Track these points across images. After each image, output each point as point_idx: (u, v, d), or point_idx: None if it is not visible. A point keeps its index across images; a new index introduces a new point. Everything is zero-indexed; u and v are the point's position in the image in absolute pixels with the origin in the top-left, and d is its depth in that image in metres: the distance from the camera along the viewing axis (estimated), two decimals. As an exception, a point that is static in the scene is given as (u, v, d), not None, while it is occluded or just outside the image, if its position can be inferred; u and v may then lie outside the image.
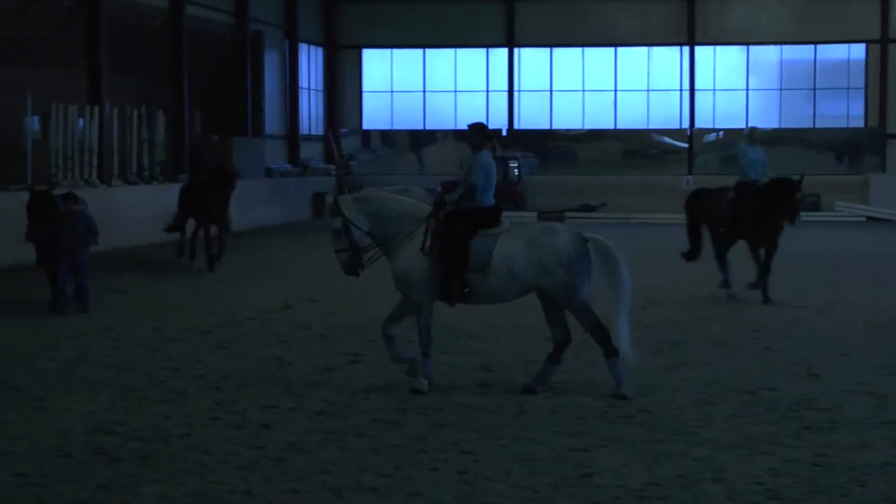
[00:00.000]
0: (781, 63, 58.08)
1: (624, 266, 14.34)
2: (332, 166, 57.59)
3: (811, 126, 57.76)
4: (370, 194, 14.98)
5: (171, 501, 9.81)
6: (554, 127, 59.41)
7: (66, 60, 38.60)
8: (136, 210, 36.30)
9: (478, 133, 15.06)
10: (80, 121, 36.84)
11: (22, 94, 34.78)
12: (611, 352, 14.20)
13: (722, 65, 58.21)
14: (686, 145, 58.30)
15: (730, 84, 58.24)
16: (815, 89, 57.72)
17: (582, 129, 59.12)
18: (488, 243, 14.07)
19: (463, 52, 59.67)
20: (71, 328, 19.28)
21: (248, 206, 44.19)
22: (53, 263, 20.95)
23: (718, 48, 57.95)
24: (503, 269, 14.05)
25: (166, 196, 38.22)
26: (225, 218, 29.21)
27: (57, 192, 22.78)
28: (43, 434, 12.14)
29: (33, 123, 36.01)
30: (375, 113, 61.18)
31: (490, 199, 14.59)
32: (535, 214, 50.39)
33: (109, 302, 22.49)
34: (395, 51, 60.28)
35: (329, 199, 14.80)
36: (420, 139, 60.88)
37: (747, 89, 58.29)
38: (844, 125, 57.72)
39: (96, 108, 37.79)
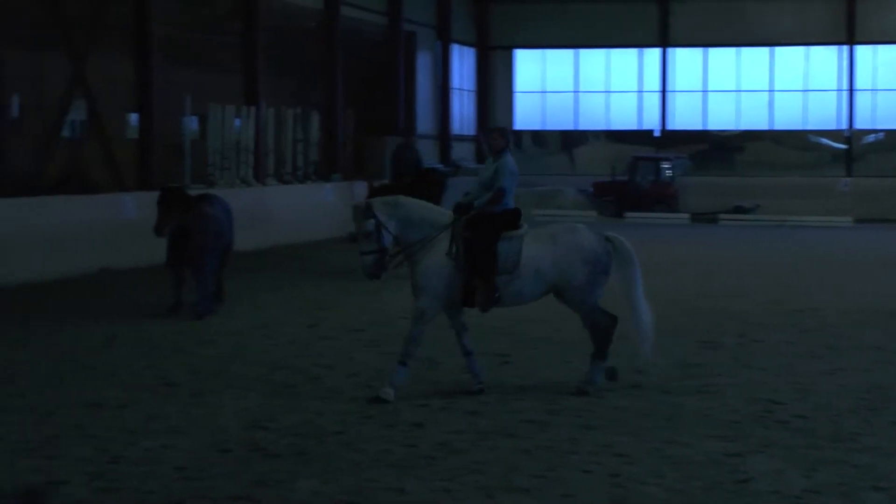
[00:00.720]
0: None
1: (638, 267, 14.71)
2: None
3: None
4: (400, 199, 14.54)
5: (326, 498, 9.88)
6: (708, 128, 58.86)
7: (224, 62, 39.09)
8: (291, 209, 36.68)
9: (501, 136, 14.94)
10: (237, 121, 37.31)
11: (181, 94, 35.33)
12: (602, 356, 14.46)
13: (883, 64, 57.11)
14: (844, 146, 57.34)
15: (891, 84, 57.11)
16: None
17: (736, 130, 58.50)
18: (515, 245, 14.12)
19: (615, 53, 59.42)
20: (227, 325, 19.52)
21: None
22: (180, 265, 20.74)
23: (879, 47, 56.85)
24: (531, 271, 14.15)
25: (320, 195, 38.66)
26: None
27: (199, 191, 22.86)
28: (200, 429, 12.32)
29: (192, 124, 36.53)
30: (527, 113, 61.16)
31: (512, 202, 14.55)
32: (687, 216, 50.06)
33: (264, 300, 22.76)
34: (548, 51, 60.19)
35: (361, 202, 14.54)
36: (571, 140, 60.70)
37: (910, 89, 57.23)
38: None
39: (252, 109, 38.27)
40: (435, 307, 14.17)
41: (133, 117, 34.70)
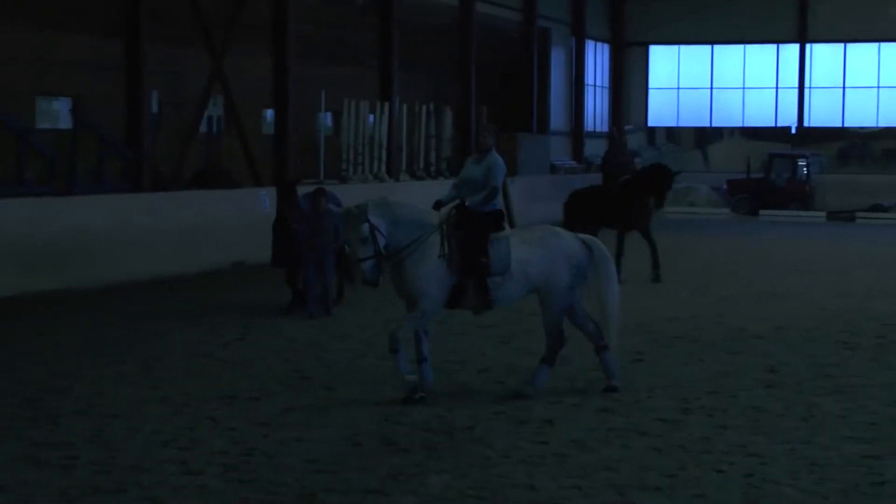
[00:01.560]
0: None
1: (614, 270, 14.58)
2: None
3: None
4: (390, 200, 13.98)
5: (457, 493, 9.88)
6: (846, 125, 58.04)
7: (359, 58, 39.37)
8: (423, 205, 36.65)
9: (490, 134, 14.45)
10: (371, 117, 37.54)
11: (316, 90, 35.64)
12: (552, 361, 14.20)
13: None
14: None
15: None
16: None
17: (876, 127, 57.61)
18: (504, 247, 13.69)
19: (752, 49, 58.85)
20: (359, 320, 19.62)
21: (531, 202, 44.39)
22: (295, 264, 20.40)
23: None
24: (521, 273, 13.75)
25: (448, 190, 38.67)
26: (648, 223, 26.92)
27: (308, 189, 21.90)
28: (333, 422, 12.40)
29: (326, 119, 36.84)
30: (661, 109, 60.88)
31: (497, 203, 14.19)
32: (823, 214, 49.43)
33: (395, 295, 22.80)
34: (683, 47, 59.82)
35: (352, 207, 13.57)
36: (706, 136, 60.31)
37: None
38: None
39: (386, 105, 38.46)
40: (435, 310, 13.86)
41: (269, 113, 35.09)
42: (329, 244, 20.02)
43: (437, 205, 14.13)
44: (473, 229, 13.65)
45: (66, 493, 9.70)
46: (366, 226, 13.16)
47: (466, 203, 13.77)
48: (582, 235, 14.46)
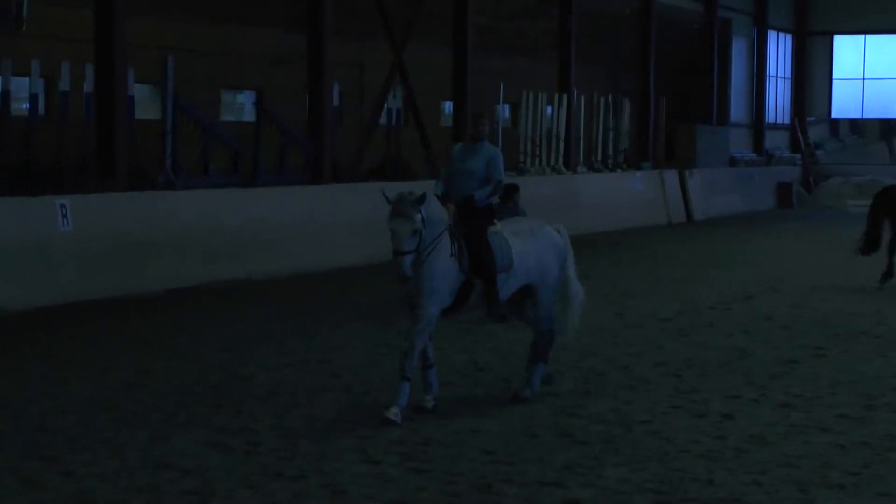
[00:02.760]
0: None
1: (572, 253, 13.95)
2: (798, 156, 56.64)
3: None
4: (427, 193, 12.38)
5: (634, 486, 9.82)
6: None
7: (537, 49, 39.35)
8: (600, 197, 36.69)
9: (488, 122, 13.52)
10: (549, 108, 37.53)
11: (496, 82, 35.74)
12: (546, 358, 13.46)
13: None
14: None
15: None
16: None
17: None
18: (503, 242, 12.82)
19: (941, 38, 57.71)
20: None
21: (710, 195, 44.04)
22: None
23: None
24: (522, 267, 12.96)
25: (630, 183, 38.55)
26: None
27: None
28: (509, 414, 12.40)
29: (504, 111, 36.91)
30: (845, 101, 59.93)
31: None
32: None
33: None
34: (869, 36, 58.74)
35: (406, 193, 12.16)
36: (892, 128, 59.23)
37: None
38: None
39: (564, 96, 38.43)
40: (438, 313, 12.48)
41: (447, 105, 35.23)
42: None
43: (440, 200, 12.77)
44: (475, 225, 12.80)
45: (248, 479, 9.85)
46: (419, 216, 12.00)
47: (476, 197, 12.75)
48: (555, 225, 13.80)
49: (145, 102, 27.04)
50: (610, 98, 41.22)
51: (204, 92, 28.95)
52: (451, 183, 12.91)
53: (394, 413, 11.77)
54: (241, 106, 31.65)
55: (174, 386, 13.57)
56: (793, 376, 14.65)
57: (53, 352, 15.53)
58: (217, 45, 29.16)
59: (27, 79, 24.14)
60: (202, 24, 28.51)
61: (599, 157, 40.45)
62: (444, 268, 12.36)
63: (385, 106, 32.69)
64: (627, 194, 38.45)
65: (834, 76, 60.01)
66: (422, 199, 11.97)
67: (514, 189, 19.50)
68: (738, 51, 53.85)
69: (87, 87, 24.40)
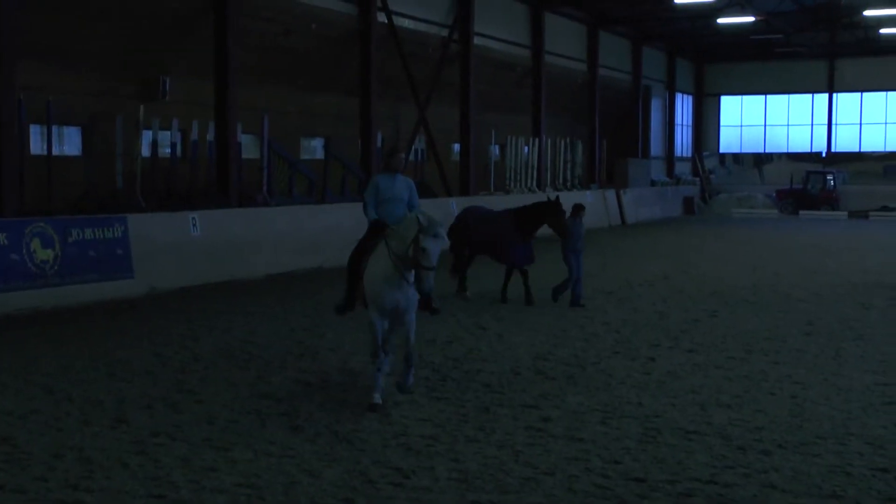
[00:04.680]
0: None
1: None
2: (698, 179, 56.55)
3: None
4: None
5: (588, 408, 9.80)
6: (863, 150, 56.42)
7: (518, 107, 39.35)
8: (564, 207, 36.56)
9: (399, 157, 10.66)
10: (526, 148, 37.52)
11: (489, 130, 35.78)
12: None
13: None
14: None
15: None
16: None
17: (885, 152, 55.92)
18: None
19: (794, 97, 57.47)
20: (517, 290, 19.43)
21: (638, 206, 44.09)
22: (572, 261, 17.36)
23: None
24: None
25: (583, 198, 38.50)
26: None
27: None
28: (501, 358, 12.38)
29: (495, 150, 36.91)
30: (729, 141, 59.95)
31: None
32: (845, 213, 48.19)
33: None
34: (744, 97, 58.71)
35: (434, 219, 9.42)
36: (761, 159, 59.24)
37: None
38: None
39: (536, 139, 38.44)
40: None
41: (456, 146, 35.22)
42: (582, 248, 17.54)
43: (380, 225, 10.08)
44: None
45: (322, 405, 9.85)
46: (445, 239, 9.60)
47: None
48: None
49: (249, 146, 27.02)
50: (568, 140, 41.17)
51: (289, 139, 28.98)
52: (382, 209, 10.21)
53: (377, 397, 9.68)
54: (314, 148, 31.60)
55: (271, 341, 13.58)
56: (696, 331, 14.64)
57: (189, 318, 15.57)
58: (298, 105, 29.16)
59: (169, 132, 24.20)
60: (288, 91, 28.52)
61: (561, 181, 40.44)
62: None
63: (413, 147, 32.69)
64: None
65: (721, 124, 59.91)
66: (435, 224, 9.39)
67: (581, 207, 17.88)
68: (656, 107, 53.74)
69: (210, 136, 24.49)
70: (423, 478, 7.52)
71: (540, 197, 36.49)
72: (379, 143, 29.62)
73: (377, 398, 9.71)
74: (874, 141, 56.24)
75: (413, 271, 9.46)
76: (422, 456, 8.09)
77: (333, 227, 24.52)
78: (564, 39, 41.97)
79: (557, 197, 17.87)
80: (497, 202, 33.37)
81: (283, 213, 23.53)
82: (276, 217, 23.14)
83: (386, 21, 30.02)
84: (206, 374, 11.31)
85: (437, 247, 9.32)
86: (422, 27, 32.34)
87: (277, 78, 28.00)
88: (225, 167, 23.70)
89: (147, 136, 23.76)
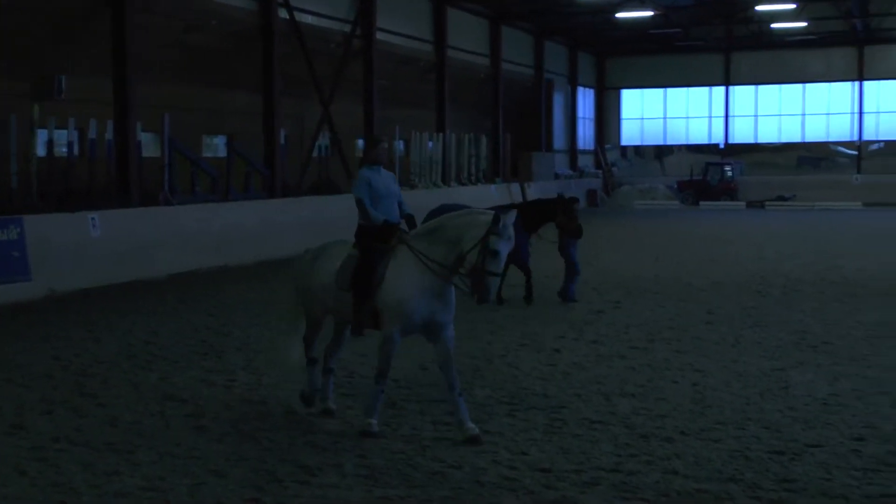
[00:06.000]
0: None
1: None
2: (600, 171, 57.26)
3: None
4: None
5: (495, 400, 9.85)
6: (758, 141, 57.73)
7: (422, 102, 39.37)
8: (469, 202, 36.58)
9: (384, 147, 9.35)
10: (430, 143, 37.56)
11: (393, 125, 35.71)
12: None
13: (884, 94, 55.49)
14: (856, 153, 55.92)
15: (890, 107, 55.47)
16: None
17: (779, 143, 57.32)
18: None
19: (693, 90, 58.52)
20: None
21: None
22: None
23: (882, 82, 55.25)
24: None
25: (487, 193, 38.67)
26: None
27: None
28: (409, 353, 12.14)
29: (400, 145, 36.89)
30: (631, 134, 60.75)
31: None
32: (743, 204, 49.27)
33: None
34: (645, 90, 59.58)
35: (495, 216, 8.15)
36: (662, 151, 60.25)
37: (904, 112, 55.61)
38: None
39: (441, 135, 38.49)
40: None
41: (361, 142, 35.12)
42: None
43: (391, 228, 8.75)
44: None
45: (228, 404, 9.75)
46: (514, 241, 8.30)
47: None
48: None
49: (150, 145, 26.59)
50: (472, 135, 41.34)
51: (191, 136, 28.60)
52: (379, 206, 8.93)
53: (374, 425, 8.58)
54: (217, 146, 31.23)
55: (174, 341, 13.39)
56: (600, 322, 14.81)
57: (89, 320, 15.26)
58: (200, 103, 28.78)
59: (66, 131, 23.71)
60: (189, 89, 28.12)
61: (466, 175, 40.57)
62: None
63: (317, 143, 32.52)
64: (487, 200, 38.47)
65: (622, 117, 60.68)
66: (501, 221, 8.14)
67: (575, 200, 17.32)
68: (559, 100, 54.22)
69: (108, 135, 24.06)
70: (330, 474, 7.49)
71: (446, 192, 36.70)
72: (283, 141, 29.38)
73: (374, 426, 8.50)
74: (769, 132, 57.57)
75: (459, 278, 8.32)
76: (329, 453, 8.05)
77: (237, 224, 24.34)
78: (467, 34, 42.13)
79: (572, 196, 17.41)
80: (408, 198, 33.37)
81: (185, 211, 23.24)
82: (179, 216, 22.85)
83: (288, 17, 29.79)
84: (108, 377, 11.10)
85: (507, 250, 8.20)
86: (324, 23, 32.18)
87: (178, 75, 27.60)
88: (125, 166, 23.32)
89: (43, 135, 23.23)
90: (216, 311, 16.09)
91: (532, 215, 16.83)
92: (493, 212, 8.27)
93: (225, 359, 12.12)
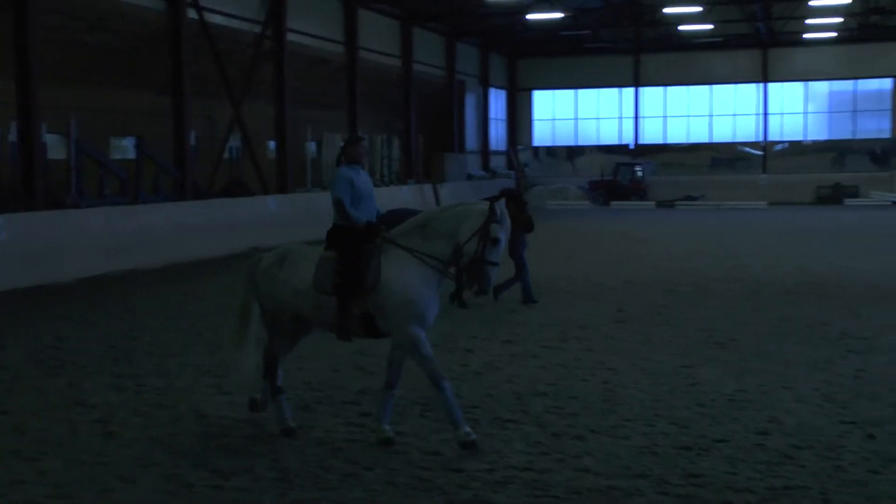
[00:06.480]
0: (830, 93, 56.49)
1: None
2: (513, 172, 57.63)
3: (852, 137, 56.06)
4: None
5: (407, 401, 9.84)
6: (667, 142, 58.62)
7: (334, 103, 39.23)
8: (380, 202, 36.69)
9: (363, 145, 9.03)
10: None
11: (304, 127, 35.55)
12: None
13: (787, 96, 56.79)
14: (761, 153, 57.09)
15: (793, 109, 56.78)
16: (855, 111, 56.01)
17: (687, 143, 58.24)
18: None
19: (603, 91, 59.21)
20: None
21: (455, 199, 44.56)
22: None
23: (785, 84, 56.55)
24: None
25: (400, 194, 38.72)
26: None
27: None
28: (321, 356, 12.12)
29: (312, 147, 36.72)
30: (542, 134, 61.22)
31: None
32: (653, 203, 49.95)
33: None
34: (556, 91, 60.10)
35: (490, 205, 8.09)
36: (573, 152, 60.76)
37: (805, 112, 56.79)
38: (877, 137, 55.89)
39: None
40: None
41: (272, 143, 34.87)
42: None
43: (375, 229, 8.43)
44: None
45: (139, 410, 9.62)
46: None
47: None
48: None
49: (56, 147, 26.10)
50: (385, 136, 41.32)
51: (99, 138, 28.13)
52: (360, 206, 8.61)
53: (389, 430, 8.41)
54: (126, 147, 30.76)
55: (83, 346, 13.15)
56: (513, 321, 14.91)
57: (-6, 326, 14.95)
58: (107, 104, 28.32)
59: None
60: (96, 90, 27.65)
61: (379, 176, 40.54)
62: None
63: (228, 145, 32.21)
64: (399, 201, 38.51)
65: (534, 118, 61.13)
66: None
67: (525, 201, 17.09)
68: (471, 101, 54.45)
69: (12, 137, 23.56)
70: (243, 478, 7.43)
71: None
72: (193, 142, 29.04)
73: (389, 430, 8.32)
74: (678, 133, 58.48)
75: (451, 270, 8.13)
76: (241, 457, 8.00)
77: (147, 227, 24.02)
78: (378, 35, 42.09)
79: (519, 190, 17.41)
80: (320, 199, 33.28)
81: (94, 214, 22.86)
82: (87, 218, 22.47)
83: (197, 17, 29.45)
84: (14, 384, 10.87)
85: (506, 239, 8.16)
86: (234, 23, 31.88)
87: (85, 76, 27.12)
88: (30, 168, 22.82)
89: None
90: (126, 316, 15.86)
91: None
92: (485, 202, 8.17)
93: (135, 363, 11.94)
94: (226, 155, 32.15)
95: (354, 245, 8.37)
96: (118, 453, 8.13)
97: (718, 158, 57.56)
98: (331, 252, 8.50)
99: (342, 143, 9.02)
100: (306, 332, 8.97)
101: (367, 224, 8.46)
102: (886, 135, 55.65)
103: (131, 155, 29.44)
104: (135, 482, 7.37)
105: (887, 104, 55.50)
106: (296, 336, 8.98)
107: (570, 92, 59.80)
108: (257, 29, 32.79)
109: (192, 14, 29.14)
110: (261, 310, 8.89)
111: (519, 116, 61.11)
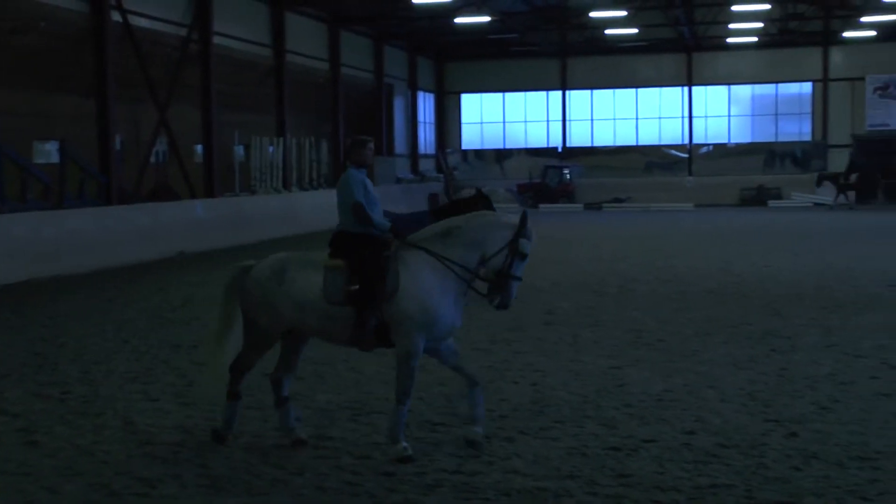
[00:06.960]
0: (753, 97, 57.44)
1: None
2: (442, 175, 57.71)
3: (775, 140, 57.07)
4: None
5: (337, 406, 9.84)
6: (594, 144, 59.09)
7: (262, 107, 38.96)
8: (311, 207, 36.59)
9: (371, 147, 8.98)
10: (271, 148, 37.19)
11: (232, 130, 35.26)
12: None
13: (711, 99, 57.58)
14: (686, 156, 57.84)
15: (717, 112, 57.63)
16: (777, 115, 57.03)
17: (614, 146, 58.75)
18: None
19: (530, 94, 59.48)
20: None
21: (385, 204, 44.44)
22: None
23: (709, 87, 57.34)
24: None
25: (329, 198, 38.65)
26: None
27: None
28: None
29: (240, 150, 36.42)
30: (470, 137, 61.28)
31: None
32: (581, 205, 50.39)
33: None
34: (484, 95, 60.29)
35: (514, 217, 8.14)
36: (501, 155, 60.93)
37: (729, 116, 57.66)
38: (798, 139, 56.95)
39: (281, 139, 38.17)
40: None
41: (199, 147, 34.53)
42: None
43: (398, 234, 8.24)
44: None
45: (63, 418, 9.47)
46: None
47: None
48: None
49: (-23, 151, 25.57)
50: (312, 140, 41.11)
51: (21, 142, 27.59)
52: (372, 211, 8.33)
53: (408, 448, 7.97)
54: (49, 151, 30.22)
55: (6, 353, 12.91)
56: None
57: (-87, 335, 14.60)
58: (30, 107, 27.81)
59: None
60: (18, 92, 27.14)
61: (307, 180, 40.32)
62: None
63: (154, 149, 31.83)
64: (329, 206, 38.42)
65: (463, 121, 61.25)
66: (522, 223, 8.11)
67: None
68: (399, 105, 54.44)
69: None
70: (170, 486, 7.35)
71: (287, 197, 36.43)
72: (118, 146, 28.66)
73: (408, 448, 7.88)
74: (605, 136, 59.01)
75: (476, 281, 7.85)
76: (168, 464, 7.90)
77: (72, 232, 23.64)
78: (306, 39, 41.90)
79: (482, 191, 17.33)
80: (249, 203, 32.95)
81: (16, 219, 22.44)
82: (10, 224, 22.05)
83: (121, 20, 29.06)
84: (-66, 394, 10.63)
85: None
86: (159, 26, 31.51)
87: (6, 78, 26.60)
88: (-51, 173, 22.35)
89: None
90: (50, 322, 15.59)
91: (458, 213, 16.67)
92: (509, 214, 7.90)
93: (59, 371, 11.75)
94: (152, 159, 31.75)
95: (369, 251, 7.98)
96: (42, 462, 7.99)
97: (659, 163, 58.14)
98: (337, 260, 8.07)
99: (348, 145, 8.71)
100: (301, 347, 8.58)
101: (391, 229, 8.10)
102: (807, 138, 56.75)
103: (55, 159, 28.92)
104: (59, 492, 7.25)
105: (808, 108, 56.60)
106: (294, 354, 8.56)
107: (498, 95, 60.06)
108: (183, 32, 32.46)
109: (116, 17, 28.74)
110: (247, 322, 8.36)
111: (447, 119, 61.22)
